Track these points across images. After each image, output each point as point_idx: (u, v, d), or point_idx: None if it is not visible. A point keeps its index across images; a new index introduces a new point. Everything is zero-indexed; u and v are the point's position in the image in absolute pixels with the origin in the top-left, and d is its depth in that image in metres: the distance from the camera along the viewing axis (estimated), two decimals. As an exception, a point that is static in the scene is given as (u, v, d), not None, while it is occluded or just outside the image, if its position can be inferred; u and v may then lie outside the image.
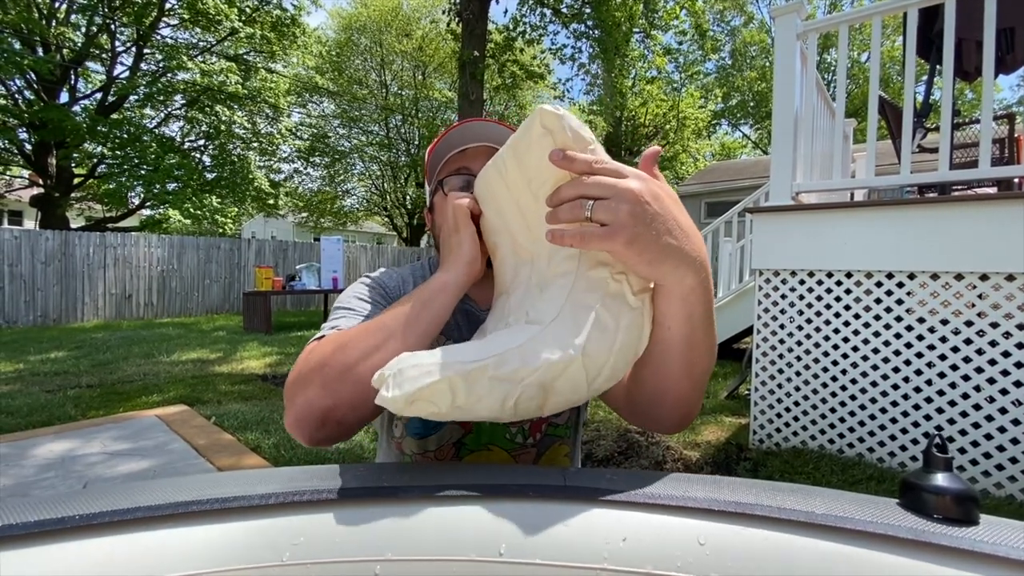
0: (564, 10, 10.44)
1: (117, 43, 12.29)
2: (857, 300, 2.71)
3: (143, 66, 12.38)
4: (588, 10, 10.31)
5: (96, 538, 0.38)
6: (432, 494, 0.43)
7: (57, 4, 11.22)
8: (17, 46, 10.18)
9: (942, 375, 2.50)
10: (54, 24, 11.06)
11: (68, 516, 0.39)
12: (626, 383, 0.65)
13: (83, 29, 11.65)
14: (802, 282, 2.86)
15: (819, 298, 2.81)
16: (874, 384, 2.66)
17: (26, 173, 13.22)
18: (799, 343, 2.87)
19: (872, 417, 2.67)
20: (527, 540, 0.40)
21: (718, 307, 5.47)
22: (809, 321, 2.84)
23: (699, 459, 2.91)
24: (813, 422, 2.83)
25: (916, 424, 2.56)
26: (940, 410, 2.50)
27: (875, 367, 2.65)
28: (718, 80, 20.38)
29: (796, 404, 2.88)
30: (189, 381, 4.69)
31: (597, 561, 0.40)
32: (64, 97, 11.91)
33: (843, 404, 2.74)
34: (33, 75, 10.90)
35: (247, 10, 12.20)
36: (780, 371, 2.93)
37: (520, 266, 0.62)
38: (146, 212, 13.62)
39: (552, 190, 0.53)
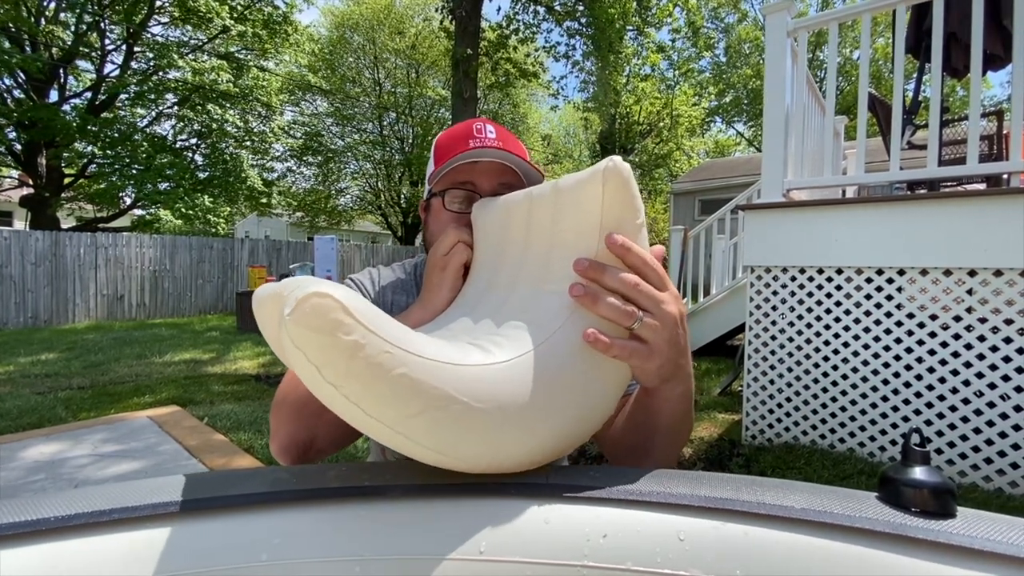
0: (557, 8, 10.43)
1: (107, 41, 12.17)
2: (848, 296, 2.72)
3: (134, 64, 12.27)
4: (581, 7, 10.31)
5: (74, 539, 0.38)
6: (412, 493, 0.43)
7: (46, 2, 11.10)
8: (6, 44, 10.06)
9: (931, 370, 2.52)
10: (43, 22, 10.93)
11: (45, 518, 0.38)
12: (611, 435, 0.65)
13: (72, 27, 11.53)
14: (793, 279, 2.88)
15: (810, 294, 2.83)
16: (865, 379, 2.68)
17: (15, 173, 13.07)
18: (791, 339, 2.89)
19: (863, 412, 2.69)
20: (508, 538, 0.40)
21: (711, 304, 5.49)
22: (800, 317, 2.86)
23: (692, 455, 2.92)
24: (805, 417, 2.85)
25: (906, 419, 2.58)
26: (930, 404, 2.52)
27: (865, 362, 2.67)
28: (712, 77, 20.43)
29: (788, 400, 2.90)
30: (181, 382, 4.66)
31: (578, 558, 0.40)
32: (54, 96, 11.78)
33: (834, 399, 2.76)
34: (22, 74, 10.78)
35: (238, 7, 12.10)
36: (772, 367, 2.95)
37: (492, 292, 0.59)
38: (138, 212, 13.51)
39: (573, 239, 0.50)
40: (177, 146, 13.34)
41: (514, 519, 0.42)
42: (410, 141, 18.26)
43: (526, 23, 10.42)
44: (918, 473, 0.41)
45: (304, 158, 17.74)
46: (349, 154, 18.54)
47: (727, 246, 5.52)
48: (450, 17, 8.99)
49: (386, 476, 0.45)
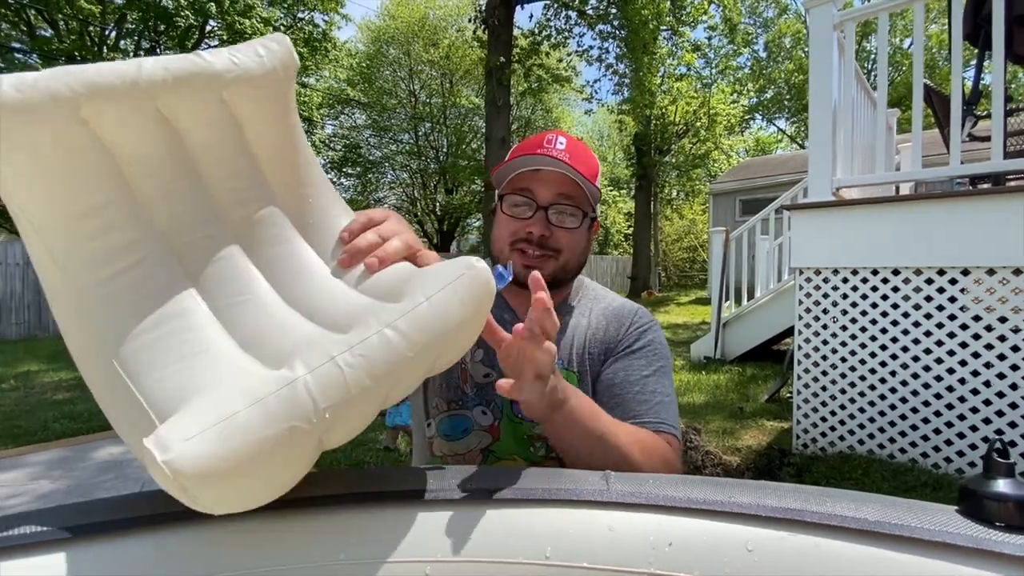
0: (589, 11, 10.41)
1: (162, 66, 12.94)
2: (906, 298, 2.59)
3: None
4: (614, 10, 10.24)
5: (152, 534, 0.41)
6: (475, 499, 0.44)
7: (107, 32, 11.92)
8: (73, 73, 10.84)
9: (1001, 376, 2.36)
10: (105, 51, 11.74)
11: (169, 511, 0.41)
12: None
13: (131, 54, 12.33)
14: (845, 280, 2.76)
15: (864, 296, 2.70)
16: (927, 386, 2.53)
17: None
18: (844, 344, 2.77)
19: (925, 421, 2.54)
20: (573, 544, 0.41)
21: (756, 307, 5.32)
22: (854, 321, 2.73)
23: (740, 464, 2.83)
24: (861, 426, 2.72)
25: (974, 428, 2.42)
26: (1000, 412, 2.36)
27: (927, 368, 2.53)
28: (752, 74, 19.84)
29: (842, 407, 2.77)
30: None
31: (643, 565, 0.40)
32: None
33: (893, 407, 2.62)
34: (87, 100, 11.59)
35: (282, 28, 12.65)
36: (824, 373, 2.83)
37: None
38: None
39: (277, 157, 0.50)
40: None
41: (578, 526, 0.42)
42: (444, 150, 18.56)
43: (558, 28, 10.44)
44: (1002, 486, 0.39)
45: (344, 169, 18.32)
46: (386, 164, 19.01)
47: (771, 247, 5.34)
48: (483, 27, 9.11)
49: (451, 481, 0.46)
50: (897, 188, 3.99)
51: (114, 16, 11.27)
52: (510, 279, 0.57)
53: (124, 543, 0.40)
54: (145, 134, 0.42)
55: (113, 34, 12.03)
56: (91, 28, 11.30)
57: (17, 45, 10.82)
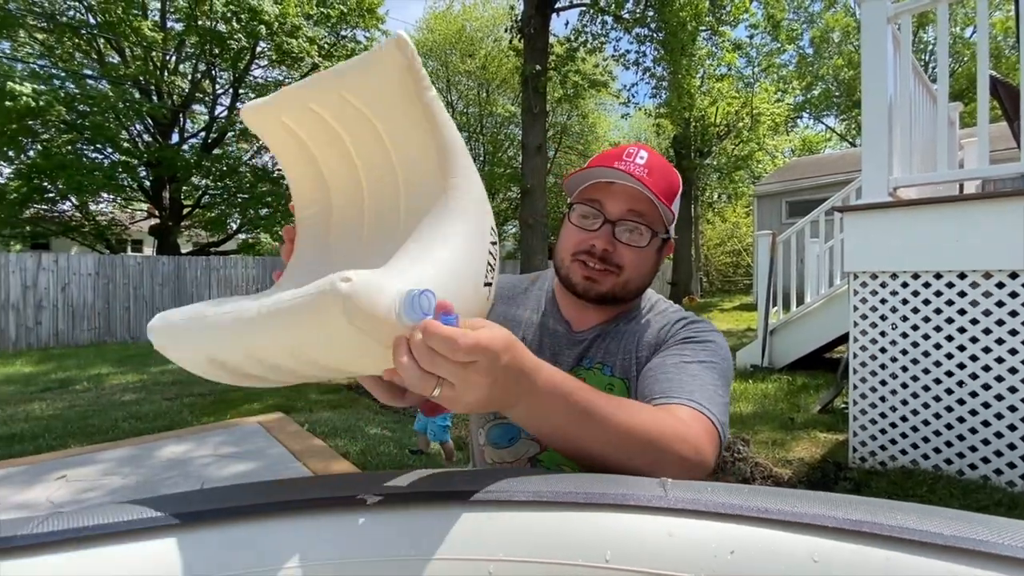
0: (626, 15, 10.32)
1: (217, 86, 13.72)
2: (974, 304, 2.43)
3: (238, 105, 13.71)
4: (651, 13, 10.12)
5: (221, 527, 0.44)
6: (537, 501, 0.45)
7: (168, 56, 12.75)
8: (136, 95, 11.66)
9: (1086, 387, 2.18)
10: (166, 74, 12.55)
11: (263, 503, 0.45)
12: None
13: (189, 76, 13.14)
14: (905, 285, 2.62)
15: (927, 302, 2.56)
16: (999, 397, 2.37)
17: (145, 206, 14.99)
18: (904, 352, 2.62)
19: (998, 435, 2.37)
20: (632, 549, 0.42)
21: (806, 314, 5.11)
22: (916, 328, 2.59)
23: (792, 477, 2.72)
24: (925, 439, 2.56)
25: (1054, 443, 2.25)
26: (1085, 427, 2.18)
27: (1000, 378, 2.37)
28: (798, 71, 19.14)
29: (903, 419, 2.63)
30: (283, 391, 5.06)
31: (705, 573, 0.40)
32: (175, 137, 13.44)
33: (962, 420, 2.46)
34: (150, 120, 12.42)
35: (325, 45, 13.18)
36: (883, 382, 2.69)
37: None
38: (241, 236, 14.97)
39: (398, 124, 0.54)
40: (275, 175, 14.67)
41: (636, 531, 0.43)
42: (481, 158, 18.77)
43: (594, 34, 10.40)
44: (1092, 503, 0.37)
45: (384, 180, 18.80)
46: (425, 174, 19.38)
47: (822, 250, 5.13)
48: (519, 36, 9.19)
49: (514, 484, 0.47)
50: (961, 187, 3.76)
51: (174, 42, 12.04)
52: (428, 316, 0.41)
53: (192, 535, 0.43)
54: (320, 130, 0.59)
55: (173, 59, 12.85)
56: (154, 54, 12.11)
57: (88, 72, 11.74)
